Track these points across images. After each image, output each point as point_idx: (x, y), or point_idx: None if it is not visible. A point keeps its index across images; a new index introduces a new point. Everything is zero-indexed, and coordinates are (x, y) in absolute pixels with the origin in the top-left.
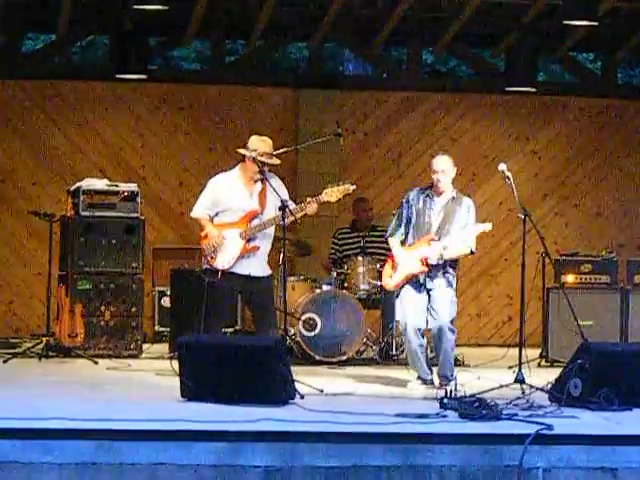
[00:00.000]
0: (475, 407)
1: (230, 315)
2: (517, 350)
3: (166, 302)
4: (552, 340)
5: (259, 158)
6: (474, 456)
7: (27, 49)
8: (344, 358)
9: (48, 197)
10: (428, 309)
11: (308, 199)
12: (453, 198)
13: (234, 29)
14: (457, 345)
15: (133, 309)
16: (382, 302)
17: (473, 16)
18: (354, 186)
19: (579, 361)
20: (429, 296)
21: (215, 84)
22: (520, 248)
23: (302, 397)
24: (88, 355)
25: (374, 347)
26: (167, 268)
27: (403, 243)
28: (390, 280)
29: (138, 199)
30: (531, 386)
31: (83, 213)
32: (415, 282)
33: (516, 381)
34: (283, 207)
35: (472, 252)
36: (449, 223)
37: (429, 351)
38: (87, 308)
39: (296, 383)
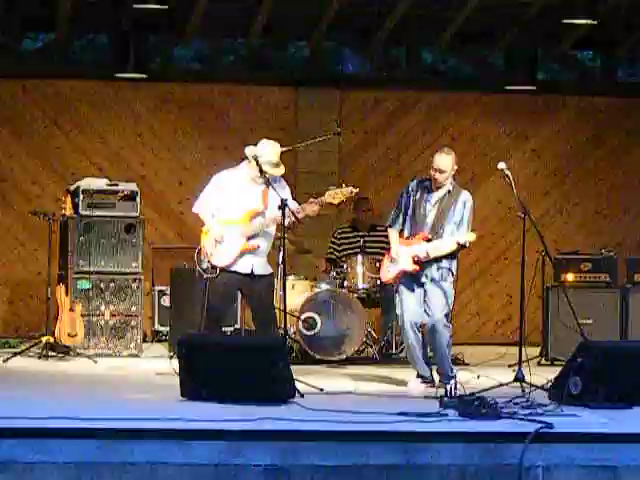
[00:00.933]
0: (475, 406)
1: (230, 314)
2: (517, 349)
3: (166, 301)
4: (552, 339)
5: (261, 166)
6: (474, 455)
7: (27, 48)
8: (344, 357)
9: (48, 196)
10: (425, 300)
11: (310, 199)
12: (449, 192)
13: (233, 28)
14: (457, 344)
15: (133, 308)
16: (382, 301)
17: (472, 14)
18: (357, 189)
19: (579, 359)
20: (424, 291)
21: (215, 83)
22: (520, 247)
23: (302, 396)
24: (88, 354)
25: (374, 346)
26: (167, 267)
27: (401, 234)
28: (387, 273)
29: (138, 198)
30: (531, 385)
31: (83, 212)
32: (411, 276)
33: (516, 380)
34: (282, 206)
35: (464, 246)
36: (444, 219)
37: (428, 349)
38: (87, 307)
39: (296, 382)
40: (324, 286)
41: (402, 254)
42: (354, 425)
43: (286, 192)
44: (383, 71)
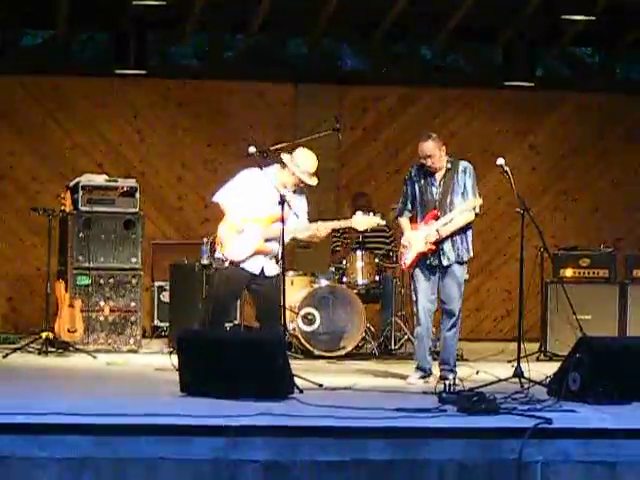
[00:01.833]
0: (474, 401)
1: (233, 309)
2: (516, 344)
3: (165, 297)
4: (551, 334)
5: (299, 176)
6: (473, 450)
7: (26, 45)
8: (343, 353)
9: (47, 192)
10: (439, 289)
11: (319, 223)
12: (449, 167)
13: (232, 24)
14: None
15: (132, 304)
16: (381, 297)
17: (471, 11)
18: (384, 222)
19: (578, 355)
20: (441, 276)
21: (214, 79)
22: (519, 243)
23: (301, 392)
24: (87, 350)
25: (373, 342)
26: (166, 263)
27: (413, 220)
28: (406, 261)
29: (137, 194)
30: (530, 380)
31: (82, 208)
32: (427, 261)
33: (515, 375)
34: (282, 202)
35: (476, 214)
36: (450, 194)
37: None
38: (86, 303)
39: (295, 378)
40: (323, 282)
41: (414, 238)
42: (353, 421)
43: (304, 204)
44: (382, 67)
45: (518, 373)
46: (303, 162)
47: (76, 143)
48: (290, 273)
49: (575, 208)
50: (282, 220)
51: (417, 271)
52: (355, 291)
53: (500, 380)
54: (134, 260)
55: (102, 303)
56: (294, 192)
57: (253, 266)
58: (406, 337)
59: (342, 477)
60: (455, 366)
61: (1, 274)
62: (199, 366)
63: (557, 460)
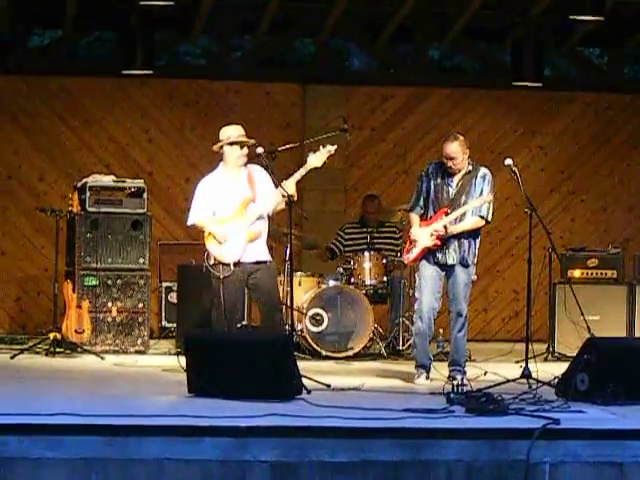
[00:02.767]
0: (482, 402)
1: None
2: (524, 345)
3: (173, 298)
4: (559, 335)
5: (232, 140)
6: (481, 451)
7: (33, 45)
8: (351, 353)
9: (55, 193)
10: (446, 288)
11: (283, 182)
12: (469, 172)
13: (240, 24)
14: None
15: (140, 305)
16: (389, 297)
17: (479, 11)
18: (335, 146)
19: (586, 356)
20: (446, 274)
21: (221, 80)
22: (526, 243)
23: (309, 392)
24: (95, 351)
25: (381, 342)
26: (174, 264)
27: (423, 217)
28: (410, 254)
29: (145, 195)
30: (538, 381)
31: (90, 209)
32: (432, 258)
33: (523, 376)
34: (289, 202)
35: (487, 221)
36: (464, 194)
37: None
38: (94, 304)
39: (303, 378)
40: (331, 282)
41: (421, 234)
42: (361, 421)
43: (265, 175)
44: (390, 68)
45: (526, 374)
46: (222, 133)
47: (83, 143)
48: (298, 274)
49: (583, 208)
50: (290, 220)
51: (423, 268)
52: (363, 292)
53: (508, 381)
54: (142, 261)
55: (110, 304)
56: (255, 172)
57: (249, 256)
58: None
59: (350, 478)
60: (465, 367)
61: (9, 275)
62: (207, 367)
63: (565, 461)
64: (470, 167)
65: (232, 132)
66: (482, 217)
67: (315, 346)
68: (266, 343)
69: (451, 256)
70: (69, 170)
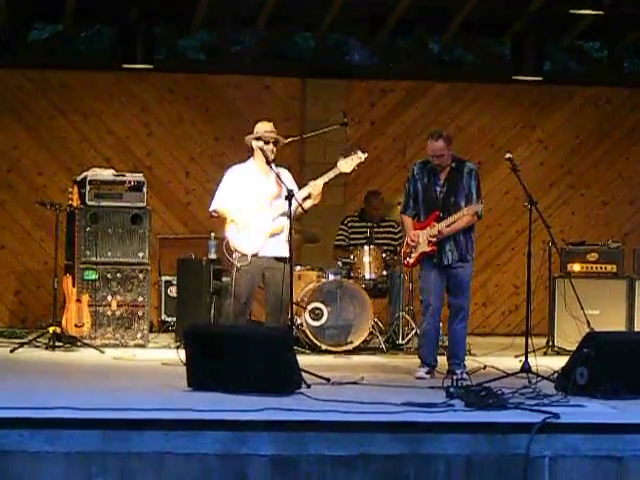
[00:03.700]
0: (481, 396)
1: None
2: (523, 339)
3: (172, 292)
4: (558, 329)
5: (258, 135)
6: (481, 445)
7: (33, 39)
8: (351, 347)
9: (54, 187)
10: (446, 286)
11: (311, 183)
12: (454, 167)
13: (240, 18)
14: (466, 335)
15: (140, 299)
16: (389, 291)
17: (479, 5)
18: (366, 154)
19: (585, 350)
20: (448, 273)
21: (221, 74)
22: (526, 237)
23: (308, 386)
24: (95, 345)
25: (380, 336)
26: (173, 258)
27: (416, 218)
28: (409, 259)
29: (144, 189)
30: (537, 375)
31: (89, 203)
32: (432, 260)
33: (522, 370)
34: (289, 197)
35: (479, 217)
36: (455, 195)
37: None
38: (94, 298)
39: (302, 372)
40: (331, 277)
41: (418, 238)
42: (360, 415)
43: (289, 176)
44: (390, 62)
45: (526, 368)
46: (258, 128)
47: (83, 137)
48: (298, 268)
49: (583, 202)
50: (289, 215)
51: (425, 271)
52: (363, 286)
53: (508, 375)
54: (141, 255)
55: (109, 298)
56: (278, 167)
57: (269, 250)
58: (414, 332)
59: (349, 472)
60: (464, 360)
61: (8, 268)
62: (206, 361)
63: (565, 455)
64: (454, 164)
65: (260, 127)
66: (475, 213)
67: (315, 340)
68: (266, 337)
69: (450, 257)
70: (69, 164)
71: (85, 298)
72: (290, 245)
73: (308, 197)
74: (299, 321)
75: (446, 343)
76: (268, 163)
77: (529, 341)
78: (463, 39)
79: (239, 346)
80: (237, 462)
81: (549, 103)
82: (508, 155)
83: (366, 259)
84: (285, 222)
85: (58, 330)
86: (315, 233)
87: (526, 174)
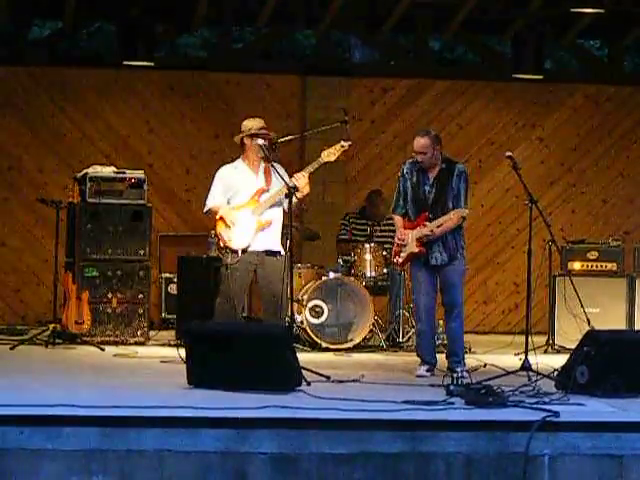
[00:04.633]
0: (481, 394)
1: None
2: (523, 337)
3: (173, 289)
4: (558, 327)
5: (253, 132)
6: (480, 443)
7: (34, 36)
8: (351, 345)
9: (55, 184)
10: (439, 283)
11: (295, 175)
12: (444, 168)
13: (241, 16)
14: (463, 332)
15: (140, 296)
16: (389, 289)
17: (480, 3)
18: (349, 142)
19: (585, 348)
20: (438, 272)
21: (222, 71)
22: (527, 235)
23: (309, 384)
24: (95, 342)
25: (381, 334)
26: (174, 255)
27: (406, 218)
28: (399, 258)
29: (145, 186)
30: (537, 373)
31: (90, 200)
32: (423, 261)
33: (522, 368)
34: (290, 193)
35: (464, 218)
36: (443, 195)
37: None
38: (94, 295)
39: (303, 370)
40: (331, 274)
41: (408, 237)
42: (360, 413)
43: (282, 170)
44: (390, 59)
45: (526, 366)
46: (248, 125)
47: (84, 134)
48: (298, 265)
49: (583, 200)
50: (290, 212)
51: (415, 270)
52: (363, 283)
53: (508, 373)
54: (142, 252)
55: (110, 295)
56: (270, 162)
57: (259, 244)
58: (414, 330)
59: (350, 469)
60: (464, 358)
61: (9, 265)
62: (206, 358)
63: (564, 453)
64: (444, 164)
65: (253, 124)
66: (461, 217)
67: (315, 338)
68: (266, 335)
69: (439, 258)
70: (69, 161)
71: (85, 295)
72: (290, 242)
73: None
74: (299, 318)
75: (445, 341)
76: (267, 160)
77: (529, 339)
78: (464, 37)
79: (239, 344)
80: (237, 460)
81: (550, 101)
82: (509, 153)
83: (367, 257)
84: (275, 215)
85: (58, 327)
86: (315, 230)
87: (526, 172)
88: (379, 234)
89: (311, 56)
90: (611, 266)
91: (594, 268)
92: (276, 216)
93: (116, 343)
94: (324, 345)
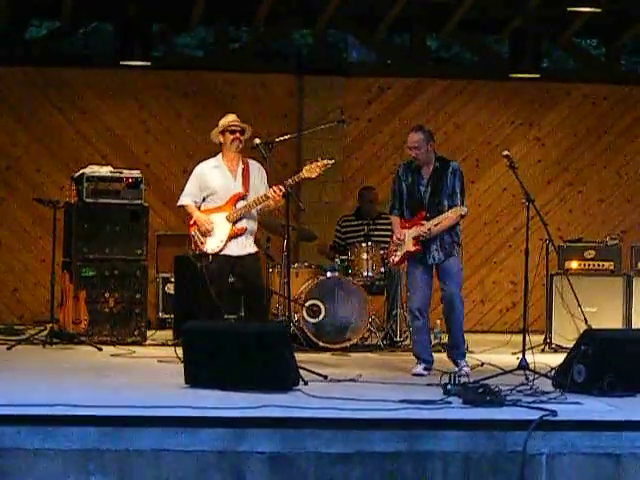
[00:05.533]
0: (479, 393)
1: (229, 300)
2: (521, 336)
3: (170, 289)
4: (556, 326)
5: (223, 129)
6: (478, 442)
7: (31, 35)
8: (348, 344)
9: (52, 184)
10: (439, 278)
11: (288, 180)
12: (438, 167)
13: (238, 15)
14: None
15: (137, 296)
16: (386, 289)
17: (477, 2)
18: (333, 160)
19: (583, 347)
20: (435, 268)
21: (219, 71)
22: (524, 234)
23: (306, 383)
24: (92, 342)
25: (378, 333)
26: (171, 255)
27: (403, 218)
28: (395, 257)
29: (142, 186)
30: (535, 372)
31: (87, 200)
32: (419, 259)
33: (520, 367)
34: (287, 194)
35: (462, 215)
36: (439, 194)
37: (432, 337)
38: (91, 295)
39: (300, 370)
40: (328, 274)
41: (405, 236)
42: (358, 412)
43: (263, 173)
44: (387, 59)
45: (523, 365)
46: (221, 123)
47: (81, 134)
48: (295, 265)
49: (580, 200)
50: (287, 212)
51: (411, 269)
52: (360, 283)
53: (505, 372)
54: (139, 252)
55: (107, 295)
56: (252, 165)
57: (232, 250)
58: (410, 328)
59: (347, 469)
60: (465, 351)
61: (6, 265)
62: (204, 358)
63: (562, 452)
64: (438, 163)
65: (225, 120)
66: (460, 215)
67: (312, 337)
68: (263, 334)
69: (436, 256)
70: (67, 161)
71: (83, 295)
72: (287, 243)
73: (268, 198)
74: (296, 318)
75: (443, 341)
76: (266, 160)
77: (526, 338)
78: (461, 36)
79: (236, 343)
80: (234, 459)
81: (547, 100)
82: (506, 152)
83: (364, 256)
84: (248, 222)
85: (55, 327)
86: (312, 230)
87: (523, 171)
88: (375, 233)
89: (308, 56)
90: (608, 265)
91: (591, 267)
92: (250, 222)
93: (113, 343)
94: (321, 344)
